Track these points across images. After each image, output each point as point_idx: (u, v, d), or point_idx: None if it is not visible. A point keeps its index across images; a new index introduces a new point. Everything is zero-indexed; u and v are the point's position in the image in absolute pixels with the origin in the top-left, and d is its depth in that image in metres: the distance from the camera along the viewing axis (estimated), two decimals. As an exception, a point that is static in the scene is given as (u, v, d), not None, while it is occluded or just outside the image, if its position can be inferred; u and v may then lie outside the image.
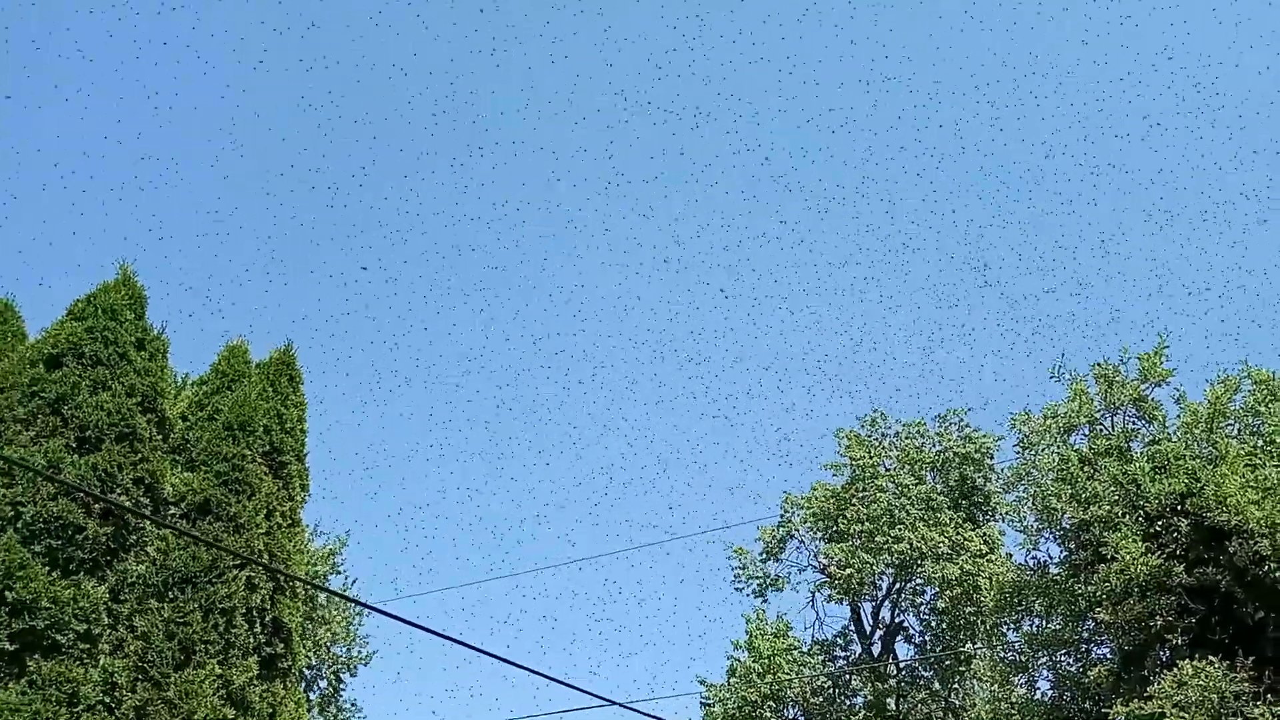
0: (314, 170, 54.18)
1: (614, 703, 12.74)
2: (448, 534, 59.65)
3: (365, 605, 24.24)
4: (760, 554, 33.32)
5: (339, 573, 27.34)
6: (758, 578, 33.15)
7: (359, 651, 26.82)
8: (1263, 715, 17.07)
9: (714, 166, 51.89)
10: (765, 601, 32.61)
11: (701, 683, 31.03)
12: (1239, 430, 21.21)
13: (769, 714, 28.48)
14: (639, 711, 13.28)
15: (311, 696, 26.52)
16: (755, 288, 54.94)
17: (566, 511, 56.93)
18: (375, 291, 56.01)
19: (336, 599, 25.58)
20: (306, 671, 25.69)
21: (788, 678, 28.64)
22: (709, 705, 29.93)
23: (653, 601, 59.91)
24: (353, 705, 27.78)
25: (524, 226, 52.58)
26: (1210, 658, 17.76)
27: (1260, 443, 20.37)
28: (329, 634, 25.51)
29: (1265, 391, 20.80)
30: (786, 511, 33.13)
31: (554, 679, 13.07)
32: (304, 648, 19.03)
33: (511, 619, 51.70)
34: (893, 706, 29.62)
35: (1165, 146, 47.69)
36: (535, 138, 50.88)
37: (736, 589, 33.18)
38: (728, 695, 29.23)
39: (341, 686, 27.06)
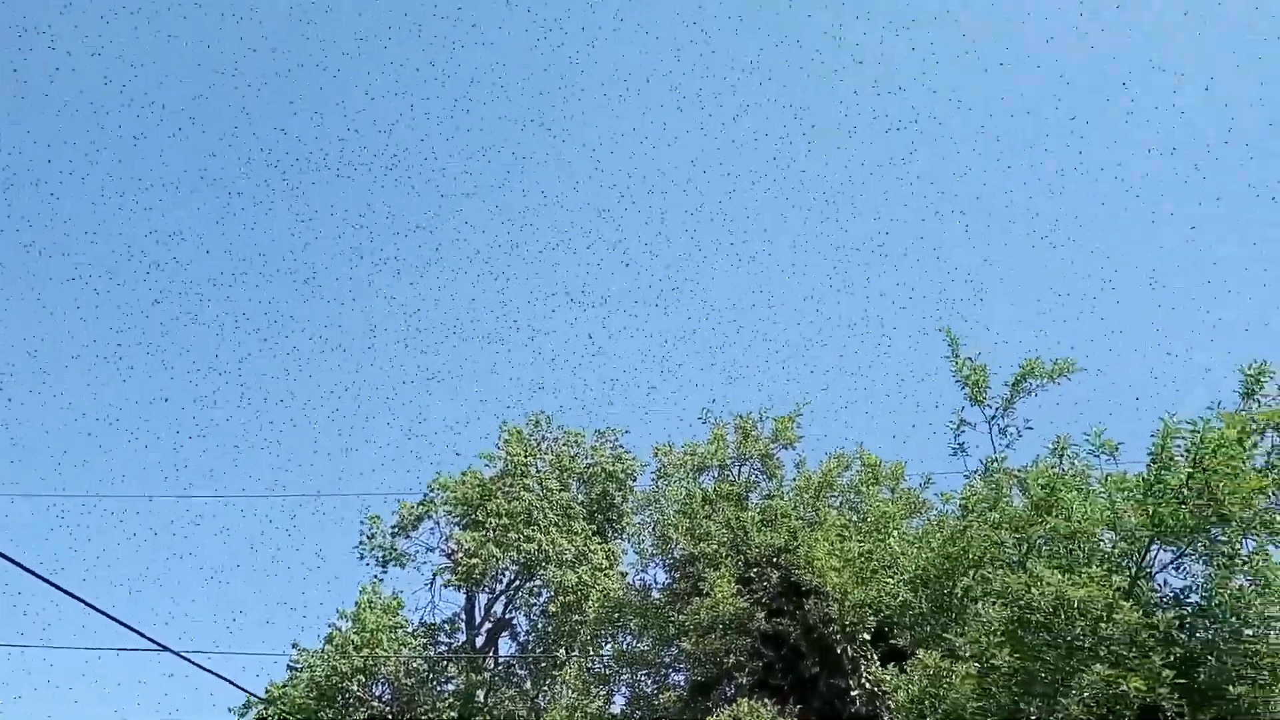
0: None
1: (167, 649, 11.96)
2: (47, 447, 53.82)
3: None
4: (393, 527, 32.93)
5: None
6: (385, 549, 32.70)
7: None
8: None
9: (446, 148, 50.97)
10: (385, 573, 32.24)
11: (294, 646, 30.01)
12: (840, 503, 23.44)
13: (356, 688, 27.93)
14: (195, 664, 12.56)
15: None
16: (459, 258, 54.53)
17: (196, 444, 53.35)
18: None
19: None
20: None
21: (385, 654, 28.25)
22: (297, 669, 28.92)
23: (275, 558, 57.24)
24: None
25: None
26: (766, 700, 19.40)
27: (855, 518, 22.58)
28: None
29: (870, 474, 23.12)
30: (431, 492, 32.99)
31: (108, 615, 12.14)
32: None
33: (103, 550, 47.36)
34: (481, 698, 29.98)
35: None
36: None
37: (360, 558, 32.61)
38: (318, 663, 28.38)
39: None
